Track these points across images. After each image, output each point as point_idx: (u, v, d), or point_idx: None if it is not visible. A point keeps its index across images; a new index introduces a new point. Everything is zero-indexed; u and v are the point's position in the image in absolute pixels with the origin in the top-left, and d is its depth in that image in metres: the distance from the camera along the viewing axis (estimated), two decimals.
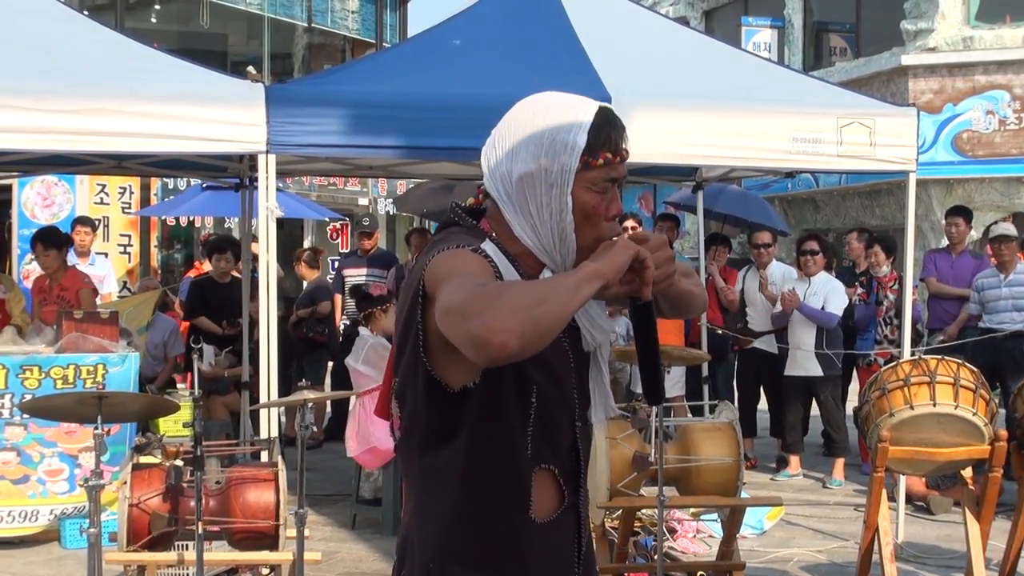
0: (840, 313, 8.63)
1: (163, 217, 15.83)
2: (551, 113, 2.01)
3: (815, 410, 9.15)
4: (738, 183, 12.62)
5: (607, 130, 2.01)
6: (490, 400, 1.98)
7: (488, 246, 2.02)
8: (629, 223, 8.97)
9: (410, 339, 1.99)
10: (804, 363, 8.68)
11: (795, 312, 8.70)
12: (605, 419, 2.15)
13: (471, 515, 2.01)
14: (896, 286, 8.94)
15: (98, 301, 8.60)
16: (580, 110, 2.02)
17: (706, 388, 9.16)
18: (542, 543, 2.06)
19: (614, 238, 1.98)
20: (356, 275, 10.31)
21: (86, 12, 11.76)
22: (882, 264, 9.06)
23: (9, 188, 12.65)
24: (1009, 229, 8.92)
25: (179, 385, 8.63)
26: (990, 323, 8.67)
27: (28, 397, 6.36)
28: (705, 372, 9.14)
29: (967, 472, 5.45)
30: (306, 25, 21.38)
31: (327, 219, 17.72)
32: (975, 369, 5.26)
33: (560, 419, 2.08)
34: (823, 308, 8.57)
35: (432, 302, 1.91)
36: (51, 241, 7.92)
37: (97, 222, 11.98)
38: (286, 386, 8.74)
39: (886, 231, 12.86)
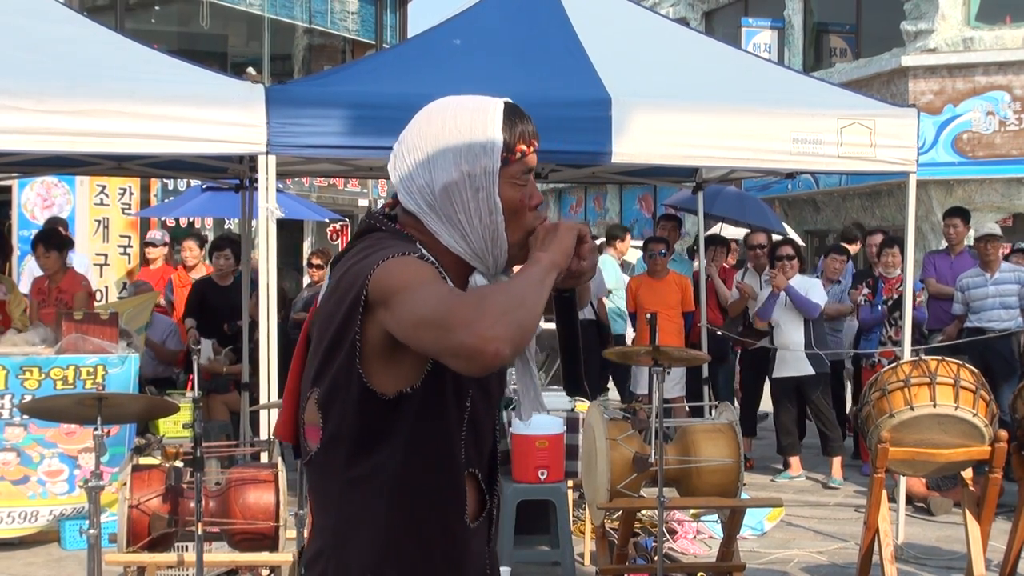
0: (822, 304, 8.70)
1: (163, 218, 15.83)
2: (459, 117, 1.99)
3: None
4: (738, 184, 12.62)
5: (517, 122, 2.02)
6: (431, 406, 1.95)
7: (425, 251, 1.98)
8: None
9: (343, 349, 1.92)
10: (793, 363, 8.69)
11: (781, 313, 8.72)
12: (532, 417, 2.14)
13: (408, 520, 1.97)
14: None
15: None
16: (487, 109, 2.01)
17: (706, 389, 9.17)
18: (473, 546, 2.05)
19: (559, 223, 1.99)
20: None
21: (86, 13, 11.77)
22: (897, 266, 9.05)
23: (9, 189, 12.64)
24: (995, 229, 8.99)
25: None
26: (978, 322, 8.70)
27: (28, 398, 6.36)
28: (705, 373, 9.15)
29: (967, 473, 5.45)
30: (306, 26, 21.38)
31: (327, 220, 17.72)
32: (975, 370, 5.26)
33: (486, 423, 2.08)
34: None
35: (375, 311, 1.87)
36: (52, 243, 7.92)
37: (96, 223, 11.99)
38: None
39: (886, 232, 12.85)
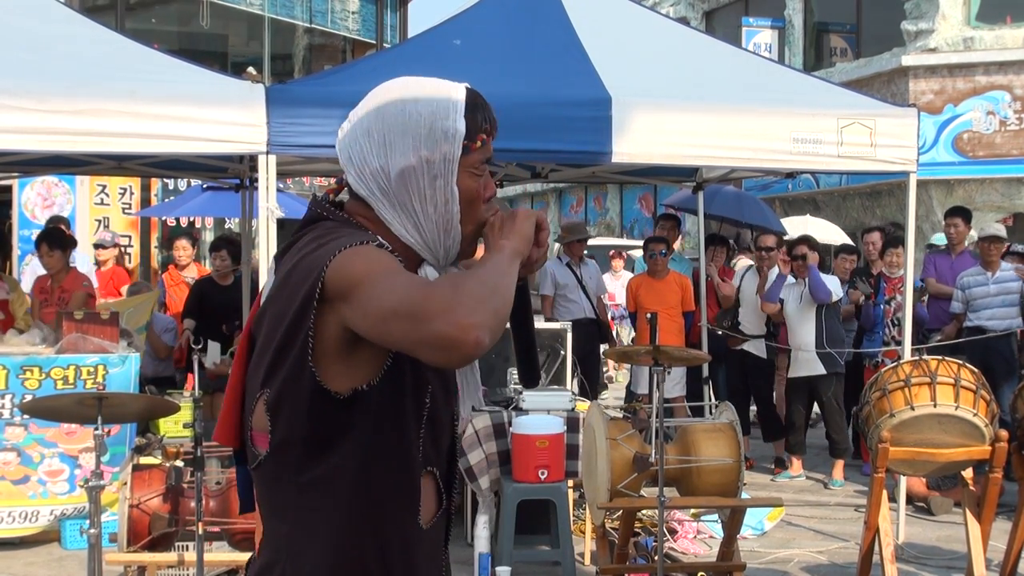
0: (835, 295, 8.72)
1: (163, 218, 15.86)
2: (420, 100, 1.90)
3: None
4: (738, 184, 12.61)
5: (479, 109, 1.92)
6: (389, 403, 1.85)
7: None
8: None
9: (295, 347, 1.80)
10: (807, 363, 8.69)
11: (793, 313, 8.72)
12: (471, 413, 2.06)
13: (364, 523, 1.86)
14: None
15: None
16: (450, 93, 1.92)
17: (707, 389, 9.17)
18: (425, 550, 1.95)
19: (516, 211, 1.91)
20: None
21: (86, 13, 11.78)
22: (901, 266, 9.05)
23: (9, 188, 12.66)
24: (1000, 230, 8.99)
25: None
26: (978, 321, 8.70)
27: (28, 398, 6.36)
28: (705, 373, 9.15)
29: (968, 473, 5.45)
30: (306, 26, 21.38)
31: None
32: (976, 370, 5.26)
33: (444, 419, 1.98)
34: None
35: (332, 304, 1.76)
36: (56, 242, 7.93)
37: (97, 222, 11.96)
38: None
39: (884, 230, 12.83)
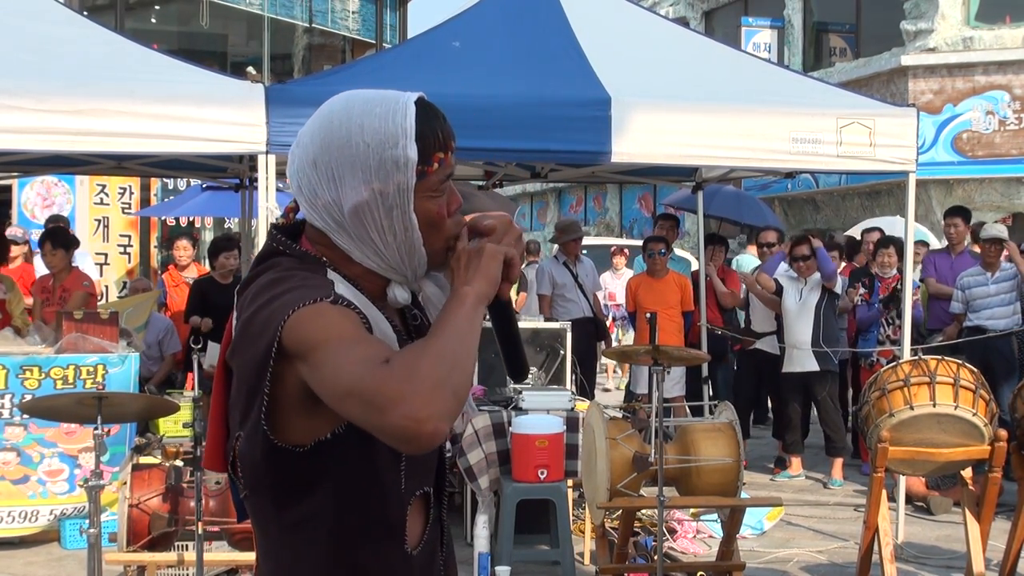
0: (839, 286, 8.78)
1: (163, 217, 15.87)
2: (367, 127, 1.76)
3: (813, 410, 9.17)
4: (738, 184, 12.62)
5: (433, 128, 1.79)
6: (360, 446, 1.77)
7: (337, 281, 1.81)
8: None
9: (257, 399, 1.74)
10: (801, 359, 8.68)
11: (792, 309, 8.71)
12: (464, 428, 1.96)
13: (345, 563, 1.82)
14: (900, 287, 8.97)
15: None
16: (398, 115, 1.77)
17: (706, 388, 9.18)
18: (415, 570, 1.90)
19: (483, 247, 1.79)
20: None
21: (86, 13, 11.78)
22: (893, 265, 9.06)
23: (9, 188, 12.67)
24: (1002, 232, 8.99)
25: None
26: (978, 320, 8.70)
27: (28, 397, 6.36)
28: (705, 372, 9.15)
29: (967, 472, 5.46)
30: (306, 25, 21.39)
31: None
32: (975, 370, 5.27)
33: None
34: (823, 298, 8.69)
35: (292, 362, 1.70)
36: (59, 241, 7.93)
37: (96, 222, 11.95)
38: None
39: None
